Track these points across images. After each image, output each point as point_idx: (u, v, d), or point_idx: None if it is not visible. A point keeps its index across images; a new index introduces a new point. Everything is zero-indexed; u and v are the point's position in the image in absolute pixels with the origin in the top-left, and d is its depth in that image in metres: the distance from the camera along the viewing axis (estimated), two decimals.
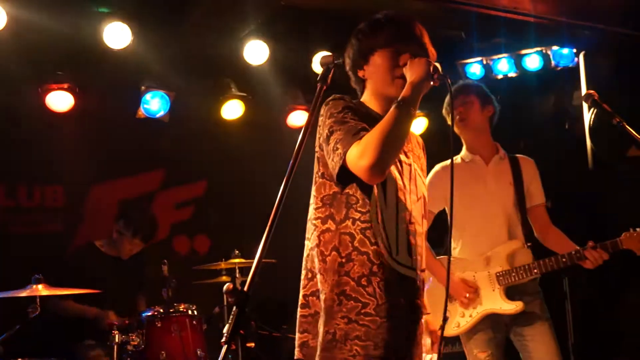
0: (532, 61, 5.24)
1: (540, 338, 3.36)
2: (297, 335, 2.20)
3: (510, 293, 3.39)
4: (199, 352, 3.93)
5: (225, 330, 1.70)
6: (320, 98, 2.11)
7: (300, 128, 2.04)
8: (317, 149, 2.22)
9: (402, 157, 2.23)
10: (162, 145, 5.44)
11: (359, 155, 2.01)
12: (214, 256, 4.64)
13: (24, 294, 3.68)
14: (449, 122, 3.24)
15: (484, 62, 5.30)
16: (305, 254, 2.22)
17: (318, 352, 2.08)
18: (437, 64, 2.25)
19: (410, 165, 2.26)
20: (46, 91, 4.63)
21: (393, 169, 2.17)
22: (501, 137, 5.93)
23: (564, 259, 3.33)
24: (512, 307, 3.34)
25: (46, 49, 4.43)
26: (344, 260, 2.10)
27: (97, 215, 5.15)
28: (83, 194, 5.20)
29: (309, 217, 2.23)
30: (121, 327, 3.86)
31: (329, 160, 2.12)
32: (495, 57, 5.30)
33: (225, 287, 1.75)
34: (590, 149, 4.36)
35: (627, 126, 2.76)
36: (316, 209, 2.18)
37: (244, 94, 5.14)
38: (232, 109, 5.18)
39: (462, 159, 3.58)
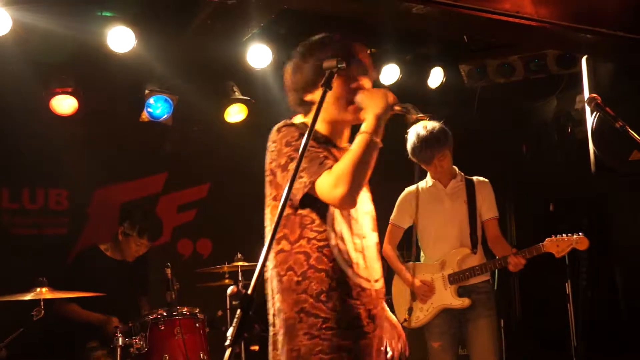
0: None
1: (479, 332, 3.94)
2: (270, 352, 2.26)
3: (462, 292, 4.02)
4: (202, 355, 3.94)
5: (229, 333, 1.70)
6: (323, 102, 2.12)
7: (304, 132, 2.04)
8: (267, 173, 2.27)
9: None
10: (165, 149, 5.45)
11: (333, 185, 2.09)
12: (217, 259, 4.64)
13: (28, 297, 3.69)
14: (414, 160, 3.99)
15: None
16: (268, 275, 2.27)
17: None
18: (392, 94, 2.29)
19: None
20: (50, 95, 4.65)
21: None
22: (504, 142, 5.98)
23: (499, 261, 3.96)
24: (459, 302, 4.00)
25: (50, 52, 4.45)
26: (300, 278, 2.16)
27: (100, 219, 5.16)
28: (87, 197, 5.21)
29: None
30: (124, 330, 3.87)
31: (298, 183, 2.14)
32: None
33: (229, 290, 1.77)
34: (593, 153, 4.36)
35: (629, 130, 2.77)
36: (279, 230, 2.21)
37: (247, 98, 5.15)
38: (235, 113, 5.20)
39: (426, 183, 4.21)
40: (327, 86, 2.12)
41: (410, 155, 4.08)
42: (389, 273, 4.33)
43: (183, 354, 3.86)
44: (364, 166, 2.12)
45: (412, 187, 4.22)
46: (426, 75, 5.45)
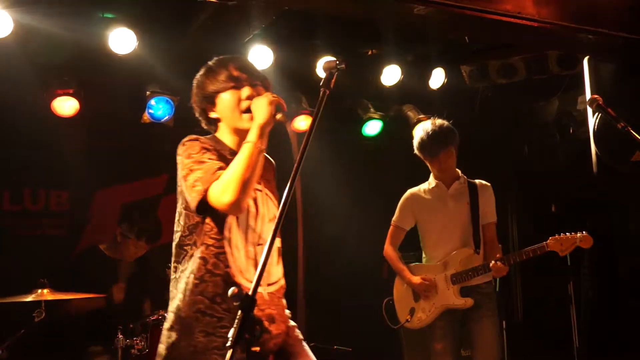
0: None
1: (482, 332, 3.93)
2: (160, 346, 2.43)
3: (465, 292, 4.00)
4: None
5: (230, 334, 1.70)
6: (323, 103, 2.12)
7: (304, 132, 2.05)
8: (178, 184, 2.48)
9: (256, 185, 2.46)
10: (166, 150, 5.42)
11: (221, 193, 2.27)
12: None
13: (29, 298, 3.70)
14: (422, 157, 4.09)
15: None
16: (172, 277, 2.49)
17: (174, 356, 2.36)
18: (281, 100, 2.43)
19: (261, 190, 2.53)
20: (52, 96, 4.65)
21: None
22: (506, 143, 5.97)
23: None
24: (462, 302, 3.99)
25: (52, 54, 4.45)
26: (198, 281, 2.36)
27: (101, 220, 5.16)
28: (88, 198, 5.22)
29: (175, 243, 2.48)
30: (125, 331, 3.87)
31: (187, 196, 2.38)
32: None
33: (230, 292, 1.76)
34: (595, 154, 4.35)
35: (631, 131, 2.77)
36: (183, 236, 2.45)
37: None
38: None
39: (428, 184, 4.19)
40: (327, 87, 2.13)
41: (416, 150, 4.11)
42: (390, 274, 4.34)
43: None
44: (247, 174, 2.28)
45: (414, 189, 4.22)
46: (427, 76, 5.45)
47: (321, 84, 2.15)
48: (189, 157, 2.40)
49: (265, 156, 2.58)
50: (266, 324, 2.38)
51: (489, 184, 4.18)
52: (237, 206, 2.28)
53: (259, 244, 2.45)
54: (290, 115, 5.38)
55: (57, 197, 5.16)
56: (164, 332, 2.44)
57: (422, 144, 4.05)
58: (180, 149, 2.46)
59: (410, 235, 4.26)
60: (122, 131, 5.21)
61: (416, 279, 4.07)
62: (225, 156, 2.45)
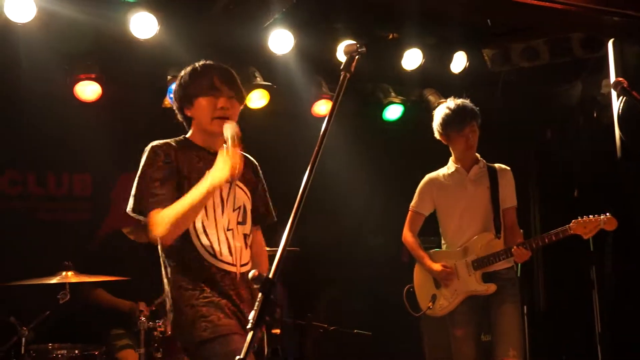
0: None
1: (503, 318, 3.88)
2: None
3: (486, 278, 3.96)
4: None
5: (251, 316, 1.72)
6: (344, 86, 2.11)
7: (325, 117, 2.05)
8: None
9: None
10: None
11: (155, 225, 2.59)
12: None
13: (54, 280, 3.76)
14: (439, 137, 4.09)
15: None
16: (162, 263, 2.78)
17: (176, 333, 2.74)
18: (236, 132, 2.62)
19: (230, 183, 2.73)
20: (75, 81, 4.69)
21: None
22: (528, 127, 5.91)
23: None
24: (484, 287, 3.95)
25: (74, 39, 4.48)
26: (177, 264, 2.70)
27: (124, 204, 5.19)
28: (111, 182, 5.27)
29: None
30: (149, 313, 3.92)
31: (131, 201, 2.71)
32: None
33: (250, 274, 1.77)
34: (619, 138, 4.30)
35: None
36: None
37: (269, 84, 5.15)
38: (257, 99, 5.20)
39: (447, 168, 4.15)
40: (348, 70, 2.13)
41: (438, 128, 4.05)
42: (411, 258, 4.33)
43: None
44: (185, 217, 2.57)
45: (433, 174, 4.17)
46: (449, 60, 5.40)
47: (342, 67, 2.14)
48: (144, 166, 2.72)
49: (246, 156, 2.86)
50: (237, 301, 2.68)
51: (508, 168, 4.13)
52: (165, 240, 2.63)
53: (228, 229, 2.73)
54: (311, 99, 5.38)
55: (80, 181, 5.22)
56: (168, 316, 2.75)
57: (447, 119, 3.99)
58: (145, 153, 2.75)
59: (429, 220, 4.24)
60: (143, 115, 5.24)
61: (437, 266, 4.03)
62: (190, 157, 2.74)
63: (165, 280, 2.75)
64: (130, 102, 5.13)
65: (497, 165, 4.13)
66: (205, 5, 4.57)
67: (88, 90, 4.72)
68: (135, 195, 2.70)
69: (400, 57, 5.24)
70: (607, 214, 3.81)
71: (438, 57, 5.41)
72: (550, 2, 3.77)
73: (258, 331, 1.70)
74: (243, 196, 2.85)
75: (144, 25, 4.35)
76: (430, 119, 4.17)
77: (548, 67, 5.37)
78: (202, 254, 2.67)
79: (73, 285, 3.80)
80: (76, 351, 3.87)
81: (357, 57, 2.15)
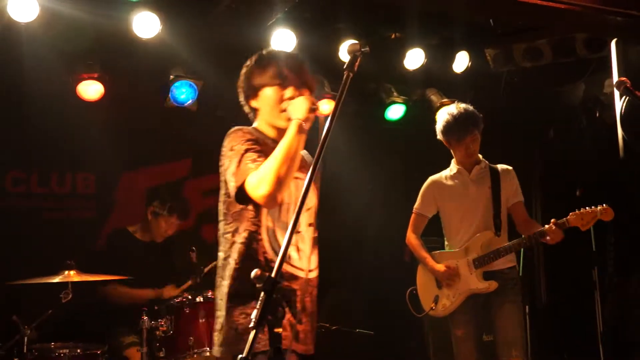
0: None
1: (505, 317, 3.88)
2: (214, 334, 2.51)
3: (488, 276, 3.96)
4: None
5: (253, 315, 1.72)
6: (347, 86, 2.11)
7: (327, 116, 2.05)
8: (221, 173, 2.54)
9: (296, 172, 2.48)
10: (190, 134, 5.48)
11: (256, 186, 2.35)
12: None
13: (56, 279, 3.76)
14: (445, 144, 4.09)
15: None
16: (218, 265, 2.56)
17: (221, 346, 2.46)
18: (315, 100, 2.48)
19: (302, 179, 2.55)
20: (77, 80, 4.69)
21: None
22: (531, 127, 5.90)
23: (524, 240, 3.89)
24: (485, 285, 3.95)
25: (76, 38, 4.48)
26: (238, 266, 2.45)
27: (127, 202, 5.23)
28: (114, 181, 5.28)
29: (220, 233, 2.55)
30: (150, 313, 3.92)
31: (230, 185, 2.46)
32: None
33: (253, 273, 1.78)
34: (622, 138, 4.29)
35: None
36: (227, 224, 2.53)
37: None
38: None
39: (450, 170, 4.16)
40: (351, 70, 2.13)
41: (440, 134, 4.07)
42: (413, 257, 4.33)
43: (208, 337, 3.90)
44: (284, 168, 2.34)
45: (436, 176, 4.19)
46: (451, 59, 5.40)
47: (345, 67, 2.14)
48: (231, 150, 2.48)
49: (304, 151, 2.64)
50: (299, 307, 2.50)
51: (510, 168, 4.14)
52: (271, 199, 2.35)
53: (298, 232, 2.53)
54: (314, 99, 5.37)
55: (83, 180, 5.23)
56: (216, 320, 2.53)
57: (448, 127, 4.01)
58: (226, 141, 2.53)
59: (432, 220, 4.24)
60: (146, 115, 5.25)
61: (440, 267, 4.04)
62: (267, 144, 2.52)
63: (224, 282, 2.50)
64: (133, 101, 5.14)
65: (499, 165, 4.14)
66: (208, 5, 4.58)
67: (91, 90, 4.73)
68: (236, 174, 2.43)
69: (402, 56, 5.24)
70: (604, 204, 3.80)
71: (440, 56, 5.41)
72: (554, 2, 3.77)
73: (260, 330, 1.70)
74: (313, 196, 2.67)
75: (146, 25, 4.36)
76: (432, 118, 4.18)
77: (551, 67, 5.36)
78: (269, 257, 2.47)
79: (76, 284, 3.80)
80: (78, 350, 3.87)
81: (360, 56, 2.15)
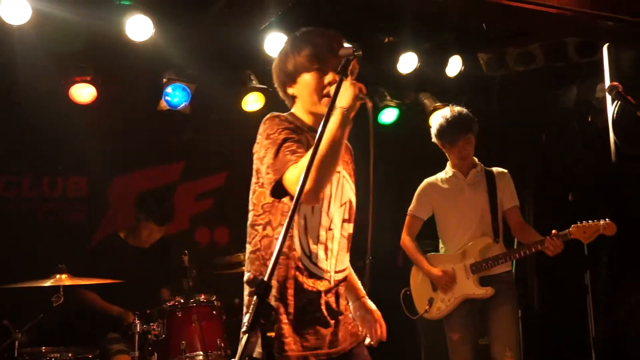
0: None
1: (501, 321, 3.90)
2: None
3: (484, 281, 3.96)
4: (219, 342, 3.96)
5: (245, 319, 1.71)
6: (339, 90, 2.11)
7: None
8: (255, 161, 2.37)
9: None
10: (183, 137, 5.47)
11: (296, 180, 2.11)
12: (234, 247, 4.66)
13: (47, 283, 3.74)
14: (440, 146, 4.08)
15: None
16: (246, 257, 2.40)
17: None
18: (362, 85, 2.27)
19: (339, 172, 2.42)
20: (69, 83, 4.68)
21: None
22: (523, 131, 5.92)
23: (524, 250, 3.91)
24: (482, 291, 3.95)
25: (69, 41, 4.47)
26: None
27: (119, 206, 5.21)
28: (106, 184, 5.26)
29: (249, 223, 2.41)
30: (143, 317, 3.90)
31: (265, 178, 2.29)
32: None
33: (246, 277, 1.77)
34: (614, 142, 4.30)
35: None
36: (257, 215, 2.37)
37: (265, 86, 5.15)
38: (253, 101, 5.20)
39: (445, 173, 4.15)
40: (343, 74, 2.13)
41: (434, 137, 4.08)
42: (405, 263, 4.33)
43: (200, 341, 3.89)
44: (327, 162, 2.15)
45: (431, 178, 4.20)
46: (444, 63, 5.41)
47: (338, 70, 2.14)
48: (267, 137, 2.30)
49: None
50: (325, 312, 2.34)
51: (506, 171, 4.15)
52: (313, 195, 2.19)
53: (329, 229, 2.37)
54: None
55: (75, 184, 5.21)
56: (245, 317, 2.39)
57: (442, 130, 4.02)
58: (261, 128, 2.35)
59: (426, 223, 4.24)
60: (138, 118, 5.24)
61: (436, 271, 4.04)
62: (304, 132, 2.36)
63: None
64: (126, 104, 5.13)
65: (494, 168, 4.15)
66: (201, 8, 4.57)
67: (83, 93, 4.71)
68: (273, 165, 2.24)
69: (395, 60, 5.24)
70: (607, 219, 3.81)
71: (433, 60, 5.42)
72: (546, 7, 3.79)
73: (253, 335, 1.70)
74: (349, 189, 2.49)
75: (139, 28, 4.34)
76: (425, 122, 4.19)
77: (543, 71, 5.38)
78: (299, 255, 2.31)
79: (67, 287, 3.78)
80: (69, 354, 3.85)
81: (353, 60, 2.15)
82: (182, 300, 4.00)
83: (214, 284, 4.50)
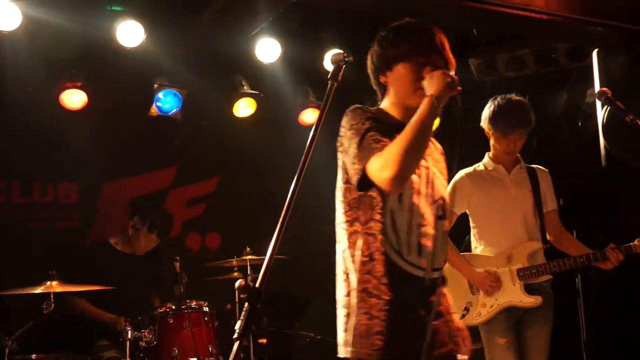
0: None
1: (537, 340, 3.64)
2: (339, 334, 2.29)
3: (529, 289, 3.65)
4: (210, 348, 3.95)
5: (237, 326, 1.71)
6: (331, 95, 2.11)
7: (312, 125, 2.05)
8: (339, 155, 2.32)
9: (421, 161, 2.28)
10: (174, 143, 5.47)
11: (380, 168, 2.10)
12: (226, 253, 4.65)
13: (38, 290, 3.72)
14: (487, 132, 3.78)
15: None
16: (337, 257, 2.32)
17: (352, 346, 2.21)
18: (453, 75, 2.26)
19: (428, 168, 2.34)
20: (60, 89, 4.66)
21: None
22: None
23: (581, 259, 3.62)
24: (531, 300, 3.62)
25: (60, 47, 4.46)
26: (367, 259, 2.21)
27: (110, 212, 5.19)
28: (96, 191, 5.24)
29: (337, 222, 2.33)
30: (134, 324, 3.88)
31: (350, 170, 2.23)
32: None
33: (237, 284, 1.76)
34: (604, 147, 4.34)
35: None
36: (344, 212, 2.30)
37: (256, 92, 5.15)
38: (244, 107, 5.20)
39: (484, 166, 3.83)
40: (335, 79, 2.13)
41: (484, 121, 3.76)
42: None
43: (192, 348, 3.87)
44: (412, 150, 2.10)
45: (469, 169, 3.82)
46: None
47: (329, 76, 2.14)
48: (351, 128, 2.25)
49: (432, 138, 2.40)
50: (422, 312, 2.19)
51: (547, 170, 3.88)
52: (398, 182, 2.10)
53: (423, 225, 2.25)
54: (298, 108, 5.38)
55: (65, 190, 5.18)
56: (341, 319, 2.28)
57: (495, 117, 3.69)
58: (344, 120, 2.30)
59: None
60: (129, 124, 5.23)
61: (479, 272, 3.67)
62: (390, 125, 2.27)
63: (352, 276, 2.23)
64: (117, 110, 5.11)
65: (535, 166, 3.87)
66: (192, 14, 4.57)
67: (74, 99, 4.70)
68: (359, 155, 2.17)
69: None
70: None
71: None
72: (536, 13, 3.81)
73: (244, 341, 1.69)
74: (441, 186, 2.38)
75: (130, 34, 4.35)
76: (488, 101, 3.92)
77: (534, 76, 5.41)
78: (392, 252, 2.20)
79: (57, 294, 3.76)
80: None
81: (344, 66, 2.15)
82: (173, 307, 3.98)
83: (205, 290, 4.49)
